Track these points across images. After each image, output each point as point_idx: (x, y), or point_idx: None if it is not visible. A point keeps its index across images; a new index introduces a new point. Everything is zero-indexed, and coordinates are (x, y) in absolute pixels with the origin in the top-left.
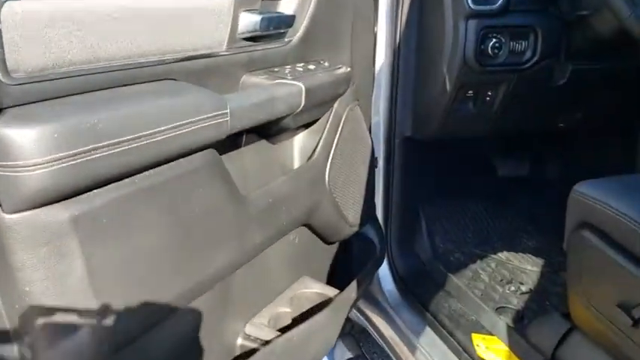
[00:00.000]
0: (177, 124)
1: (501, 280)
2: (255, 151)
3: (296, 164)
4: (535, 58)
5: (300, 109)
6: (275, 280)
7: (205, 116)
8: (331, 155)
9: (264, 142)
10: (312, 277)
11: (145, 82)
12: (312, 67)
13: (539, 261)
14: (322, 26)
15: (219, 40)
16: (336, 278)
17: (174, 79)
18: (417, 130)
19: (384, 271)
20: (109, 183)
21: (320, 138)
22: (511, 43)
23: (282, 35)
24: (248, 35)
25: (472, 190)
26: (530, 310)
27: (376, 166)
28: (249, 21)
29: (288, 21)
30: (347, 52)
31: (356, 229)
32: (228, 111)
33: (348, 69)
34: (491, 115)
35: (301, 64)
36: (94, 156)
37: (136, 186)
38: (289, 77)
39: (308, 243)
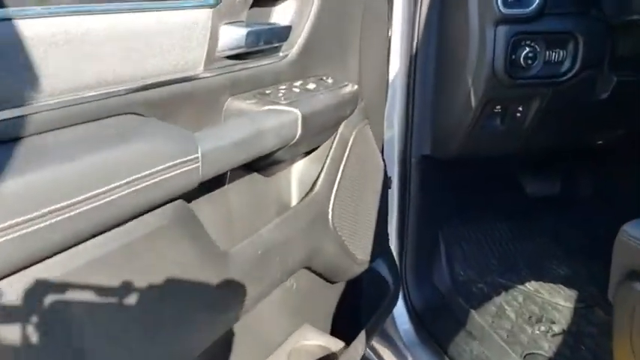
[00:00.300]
0: (133, 178)
1: (530, 318)
2: (242, 188)
3: (293, 200)
4: (574, 70)
5: (295, 140)
6: (271, 330)
7: (170, 164)
8: (336, 186)
9: (253, 175)
10: (314, 325)
11: (97, 120)
12: (311, 86)
13: (572, 293)
14: (325, 34)
15: (195, 61)
16: (343, 324)
17: (136, 114)
18: (436, 148)
19: (398, 305)
20: (52, 256)
21: (322, 167)
22: (547, 52)
23: (275, 50)
24: (231, 53)
25: (496, 210)
26: (563, 358)
27: (389, 187)
28: (232, 36)
29: (283, 34)
30: (355, 62)
31: (365, 266)
32: (199, 155)
33: (355, 87)
34: (522, 132)
35: (299, 83)
36: (28, 229)
37: (86, 257)
38: (283, 101)
39: (308, 287)
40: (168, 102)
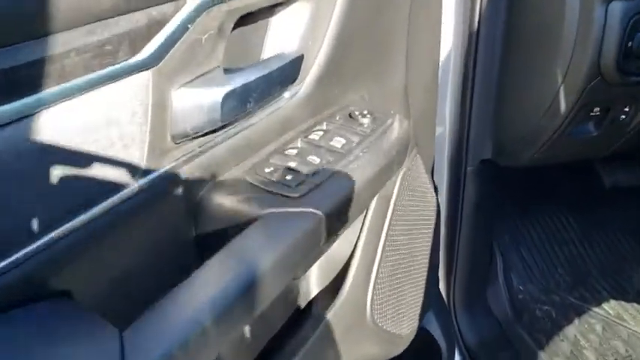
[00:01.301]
0: None
1: None
2: None
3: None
4: None
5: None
6: None
7: None
8: (376, 266)
9: None
10: None
11: None
12: (338, 140)
13: None
14: (358, 39)
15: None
16: None
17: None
18: (500, 153)
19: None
20: None
21: (355, 245)
22: None
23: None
24: (197, 134)
25: (564, 203)
26: None
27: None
28: (194, 106)
29: (290, 73)
30: (401, 65)
31: (412, 337)
32: None
33: (405, 122)
34: (622, 135)
35: (318, 135)
36: None
37: None
38: (288, 190)
39: None
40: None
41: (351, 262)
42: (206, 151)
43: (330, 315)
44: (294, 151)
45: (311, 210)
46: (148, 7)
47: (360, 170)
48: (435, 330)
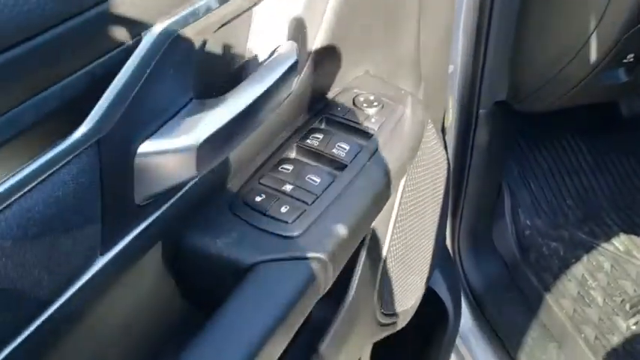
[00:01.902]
0: None
1: (622, 302)
2: None
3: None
4: None
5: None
6: None
7: None
8: (385, 253)
9: None
10: None
11: None
12: (342, 148)
13: None
14: (360, 11)
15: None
16: None
17: None
18: (516, 97)
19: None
20: None
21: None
22: None
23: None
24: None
25: (576, 131)
26: None
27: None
28: (163, 164)
29: (287, 84)
30: (412, 26)
31: (418, 304)
32: None
33: (419, 108)
34: None
35: (317, 140)
36: None
37: None
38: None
39: None
40: None
41: (357, 260)
42: (181, 187)
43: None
44: (289, 168)
45: (312, 254)
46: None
47: (368, 186)
48: (441, 287)
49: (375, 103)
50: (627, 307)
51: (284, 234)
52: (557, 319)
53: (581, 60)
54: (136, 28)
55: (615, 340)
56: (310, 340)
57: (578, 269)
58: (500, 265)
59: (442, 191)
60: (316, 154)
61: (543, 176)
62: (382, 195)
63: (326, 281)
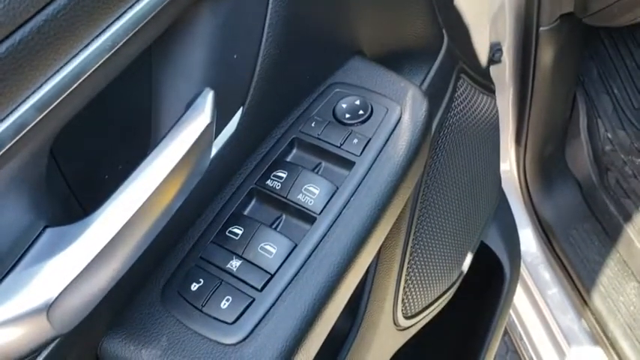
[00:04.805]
0: None
1: None
2: None
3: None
4: None
5: None
6: None
7: None
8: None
9: None
10: None
11: None
12: (309, 193)
13: None
14: None
15: None
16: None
17: None
18: (586, 7)
19: (521, 218)
20: None
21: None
22: None
23: None
24: None
25: None
26: None
27: (498, 62)
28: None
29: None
30: None
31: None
32: None
33: (423, 103)
34: None
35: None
36: None
37: None
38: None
39: None
40: None
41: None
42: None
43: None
44: (239, 232)
45: None
46: None
47: (344, 246)
48: (495, 241)
49: (361, 112)
50: None
51: (222, 341)
52: (638, 254)
53: None
54: None
55: None
56: None
57: None
58: (575, 191)
59: (490, 140)
60: (277, 206)
61: (628, 75)
62: (365, 248)
63: None
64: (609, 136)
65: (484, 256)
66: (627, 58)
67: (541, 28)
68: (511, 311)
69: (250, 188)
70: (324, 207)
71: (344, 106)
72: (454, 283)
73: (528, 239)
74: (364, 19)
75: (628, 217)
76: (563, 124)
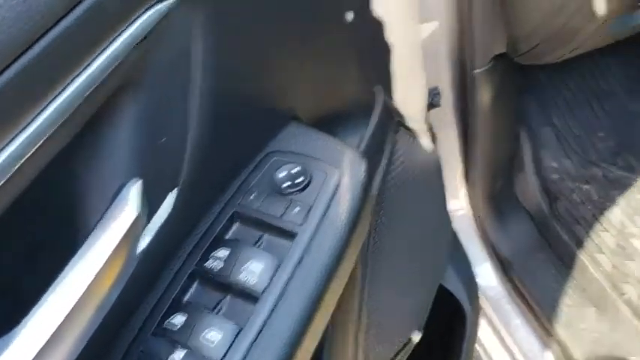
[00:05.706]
0: None
1: None
2: None
3: None
4: None
5: None
6: None
7: None
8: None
9: None
10: None
11: None
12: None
13: None
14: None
15: None
16: None
17: None
18: (516, 48)
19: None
20: None
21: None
22: None
23: None
24: None
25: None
26: None
27: (438, 105)
28: None
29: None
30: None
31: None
32: None
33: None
34: None
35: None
36: None
37: None
38: None
39: None
40: None
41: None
42: None
43: None
44: (180, 321)
45: None
46: None
47: (290, 314)
48: (455, 284)
49: (300, 179)
50: None
51: None
52: (593, 279)
53: (585, 13)
54: None
55: None
56: None
57: (615, 215)
58: (527, 223)
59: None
60: (219, 288)
61: (567, 107)
62: (314, 320)
63: None
64: (555, 165)
65: (443, 299)
66: (563, 89)
67: (476, 71)
68: (477, 346)
69: (190, 272)
70: (268, 284)
71: (282, 174)
72: (416, 333)
73: (488, 274)
74: (295, 85)
75: (580, 244)
76: (510, 159)
